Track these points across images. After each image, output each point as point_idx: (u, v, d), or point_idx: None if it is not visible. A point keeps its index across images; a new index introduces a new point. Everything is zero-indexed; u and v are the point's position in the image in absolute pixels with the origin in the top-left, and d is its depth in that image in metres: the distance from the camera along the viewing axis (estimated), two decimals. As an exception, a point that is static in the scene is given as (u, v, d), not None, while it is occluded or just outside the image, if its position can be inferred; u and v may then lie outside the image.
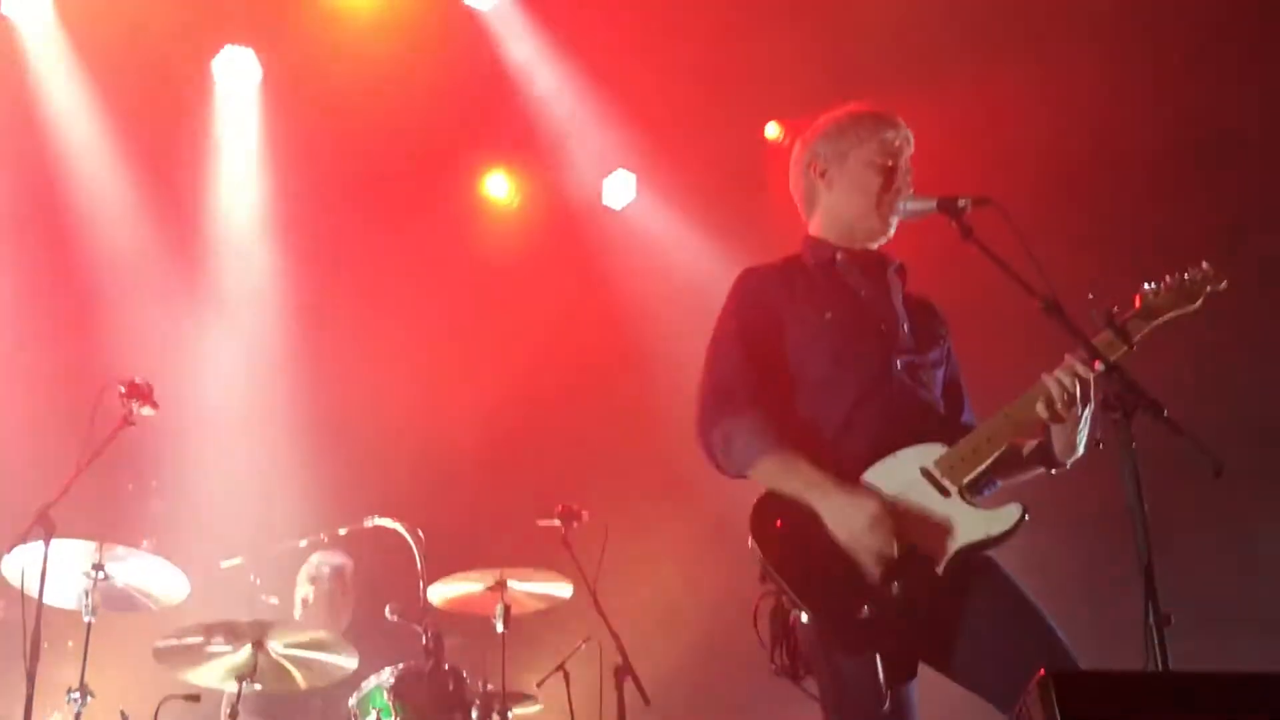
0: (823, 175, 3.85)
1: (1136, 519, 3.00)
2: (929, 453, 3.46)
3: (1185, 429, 3.02)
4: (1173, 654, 2.91)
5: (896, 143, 3.80)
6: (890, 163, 3.77)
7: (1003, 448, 3.45)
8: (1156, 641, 2.88)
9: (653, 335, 8.35)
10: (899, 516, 3.37)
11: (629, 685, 5.72)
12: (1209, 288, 3.55)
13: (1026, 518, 3.35)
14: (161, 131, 7.93)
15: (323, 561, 6.83)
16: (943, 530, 3.37)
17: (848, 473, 3.45)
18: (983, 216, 3.46)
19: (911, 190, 3.75)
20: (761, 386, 3.60)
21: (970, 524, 3.38)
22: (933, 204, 3.57)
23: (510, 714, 5.92)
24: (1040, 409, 3.39)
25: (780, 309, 3.69)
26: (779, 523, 3.42)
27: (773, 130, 8.70)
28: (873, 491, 3.41)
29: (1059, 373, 3.37)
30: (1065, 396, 3.35)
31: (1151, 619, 2.90)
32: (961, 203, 3.48)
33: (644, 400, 8.15)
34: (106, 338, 7.49)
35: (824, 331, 3.64)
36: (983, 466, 3.45)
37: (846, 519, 3.35)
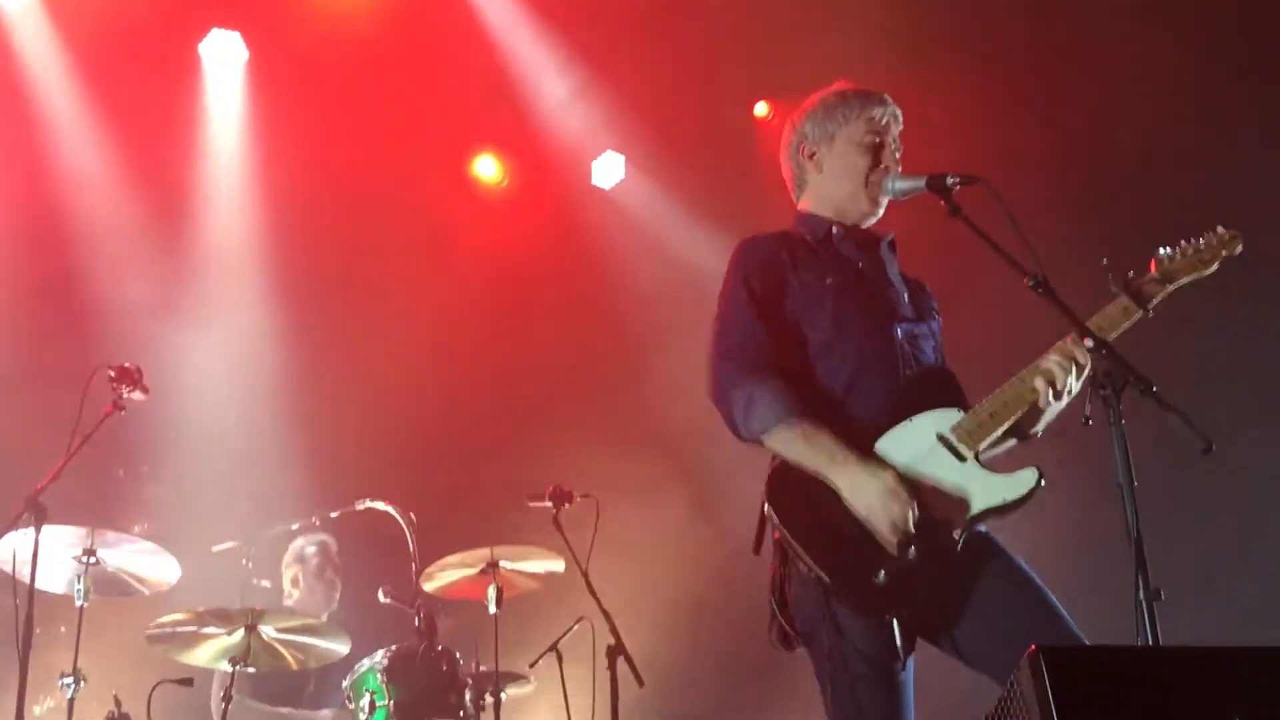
0: (811, 157, 3.85)
1: (1126, 495, 3.01)
2: (945, 418, 3.45)
3: (1175, 406, 3.02)
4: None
5: (883, 120, 3.79)
6: (877, 140, 3.77)
7: (1019, 413, 3.45)
8: (1147, 616, 2.89)
9: (642, 314, 8.36)
10: (915, 483, 3.37)
11: (622, 665, 5.72)
12: (1225, 252, 3.57)
13: (1044, 483, 3.35)
14: (149, 114, 7.91)
15: (307, 542, 6.84)
16: (960, 496, 3.37)
17: (856, 437, 3.43)
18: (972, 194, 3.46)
19: (900, 168, 3.75)
20: (777, 349, 3.57)
21: (987, 489, 3.38)
22: (922, 182, 3.56)
23: (503, 695, 5.94)
24: (1039, 385, 3.39)
25: (783, 274, 3.67)
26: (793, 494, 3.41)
27: (761, 109, 8.70)
28: (888, 464, 3.38)
29: (1057, 357, 3.39)
30: (1066, 382, 3.37)
31: (1142, 594, 2.91)
32: (950, 181, 3.47)
33: (634, 378, 8.16)
34: (96, 323, 7.48)
35: (826, 296, 3.62)
36: (999, 432, 3.45)
37: (863, 492, 3.34)
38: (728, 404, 3.52)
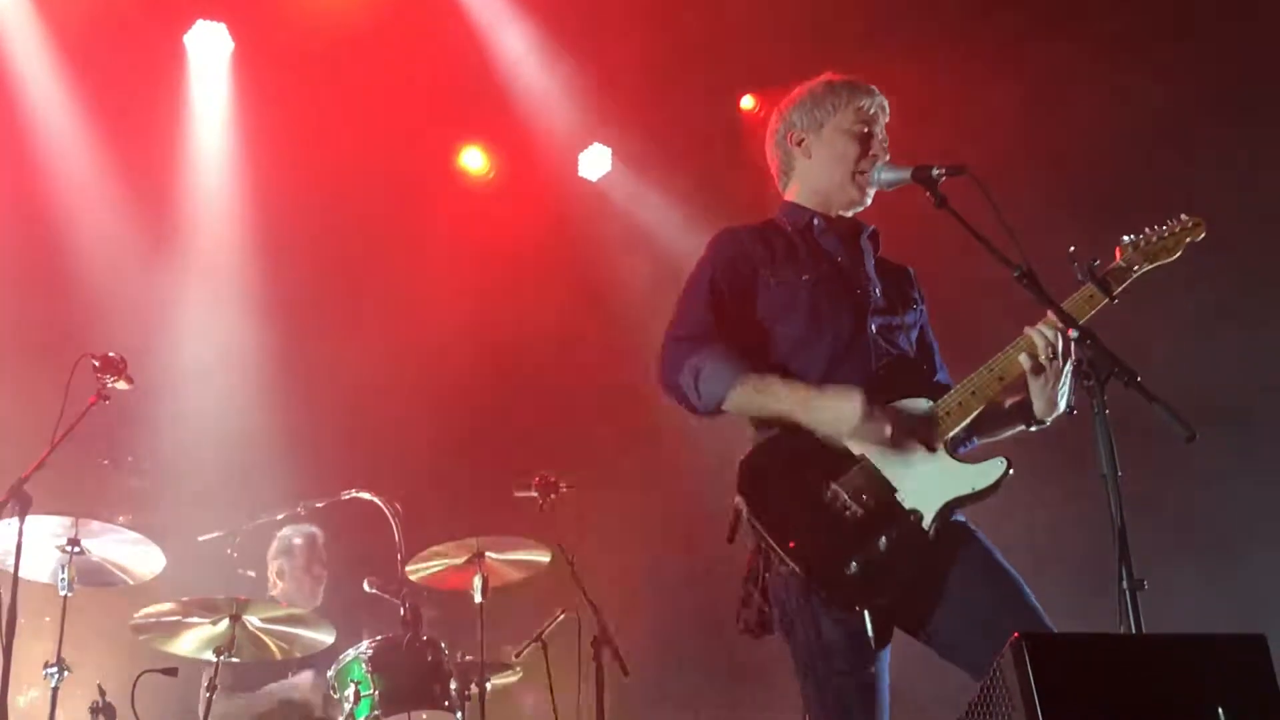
0: (799, 144, 3.86)
1: (1110, 485, 3.02)
2: (913, 409, 3.48)
3: (1158, 396, 3.04)
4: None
5: (871, 110, 3.81)
6: (865, 130, 3.78)
7: (987, 402, 3.47)
8: (1130, 605, 2.91)
9: (628, 305, 8.36)
10: (885, 469, 3.39)
11: (608, 656, 5.74)
12: (1188, 238, 3.59)
13: (1011, 471, 3.37)
14: (134, 105, 7.89)
15: (294, 533, 6.80)
16: (929, 485, 3.39)
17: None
18: (957, 185, 3.47)
19: (888, 158, 3.76)
20: (727, 332, 3.60)
21: (956, 478, 3.40)
22: (907, 173, 3.58)
23: (488, 685, 5.94)
24: (1023, 360, 3.42)
25: (755, 267, 3.70)
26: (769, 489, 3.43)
27: (748, 102, 8.71)
28: (849, 388, 3.42)
29: (1041, 325, 3.40)
30: (1048, 349, 3.38)
31: (1125, 583, 2.93)
32: (936, 171, 3.49)
33: (620, 370, 8.16)
34: (81, 312, 7.46)
35: (801, 292, 3.65)
36: (967, 421, 3.47)
37: (840, 415, 3.38)
38: (677, 387, 3.56)
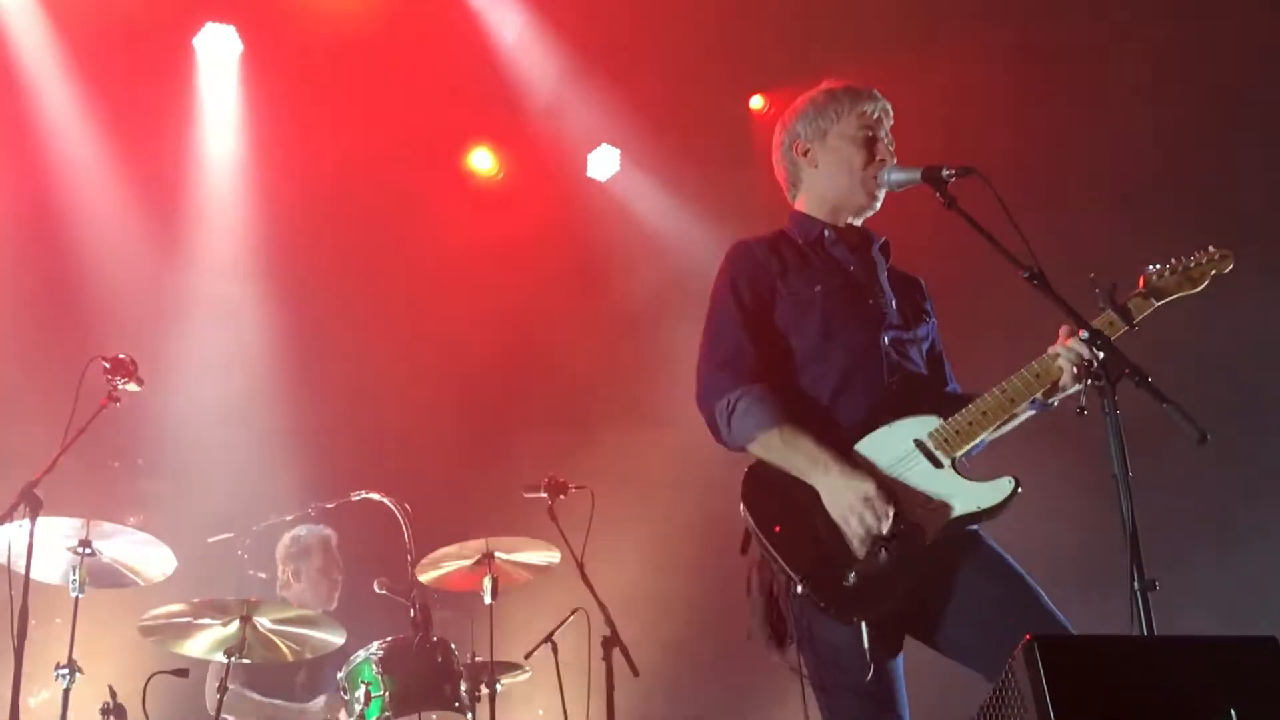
0: (805, 155, 3.85)
1: (1121, 485, 3.01)
2: (924, 425, 3.46)
3: (1169, 396, 3.03)
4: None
5: (875, 115, 3.80)
6: (870, 134, 3.77)
7: (998, 423, 3.45)
8: (1142, 606, 2.90)
9: (637, 306, 8.37)
10: (891, 489, 3.38)
11: (618, 656, 5.74)
12: (1214, 270, 3.56)
13: (1020, 491, 3.36)
14: (143, 107, 7.90)
15: (310, 535, 6.78)
16: (935, 503, 3.38)
17: (837, 443, 3.46)
18: (968, 186, 3.46)
19: (894, 160, 3.75)
20: (763, 357, 3.60)
21: (963, 497, 3.39)
22: (917, 174, 3.57)
23: (498, 685, 5.95)
24: (1067, 379, 3.38)
25: (772, 280, 3.69)
26: (772, 500, 3.43)
27: (757, 102, 8.71)
28: (870, 470, 3.41)
29: (1073, 342, 3.37)
30: (1085, 362, 3.31)
31: (1137, 584, 2.92)
32: (946, 172, 3.48)
33: (629, 369, 8.17)
34: (91, 314, 7.47)
35: (814, 304, 3.64)
36: (977, 440, 3.46)
37: (840, 498, 3.36)
38: (713, 414, 3.58)
